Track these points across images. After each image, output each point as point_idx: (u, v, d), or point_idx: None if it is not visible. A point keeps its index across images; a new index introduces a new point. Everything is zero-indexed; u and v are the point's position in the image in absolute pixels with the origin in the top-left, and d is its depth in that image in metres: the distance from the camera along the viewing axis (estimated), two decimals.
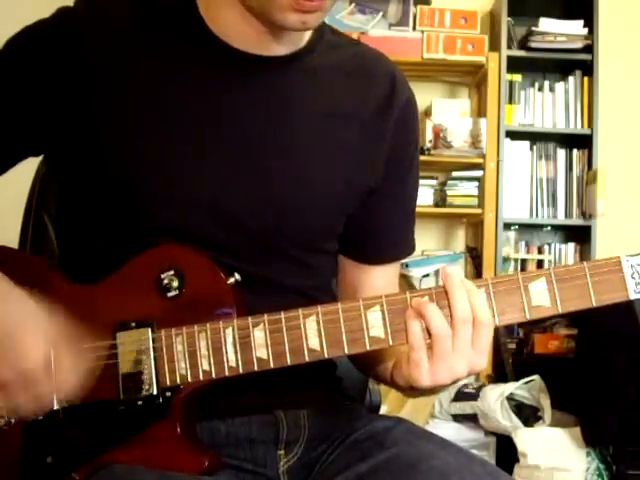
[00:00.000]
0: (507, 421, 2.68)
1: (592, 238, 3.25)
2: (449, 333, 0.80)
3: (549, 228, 3.46)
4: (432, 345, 0.80)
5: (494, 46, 3.29)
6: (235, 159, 0.89)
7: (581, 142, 3.33)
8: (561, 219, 3.35)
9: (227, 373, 0.83)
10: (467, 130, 3.26)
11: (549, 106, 3.36)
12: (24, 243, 1.24)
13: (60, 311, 0.82)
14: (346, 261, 1.04)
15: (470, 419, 2.80)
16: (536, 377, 2.80)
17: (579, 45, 3.24)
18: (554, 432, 2.62)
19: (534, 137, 3.38)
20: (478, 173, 3.26)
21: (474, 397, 2.79)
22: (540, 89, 3.39)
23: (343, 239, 1.01)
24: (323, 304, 0.84)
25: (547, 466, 2.55)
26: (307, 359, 0.83)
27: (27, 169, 1.21)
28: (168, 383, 0.84)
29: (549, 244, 3.42)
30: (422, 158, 3.21)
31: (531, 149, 3.38)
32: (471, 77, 3.43)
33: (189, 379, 0.84)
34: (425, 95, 3.36)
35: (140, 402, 0.84)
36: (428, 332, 0.80)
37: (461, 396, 2.83)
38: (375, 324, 0.82)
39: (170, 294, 0.85)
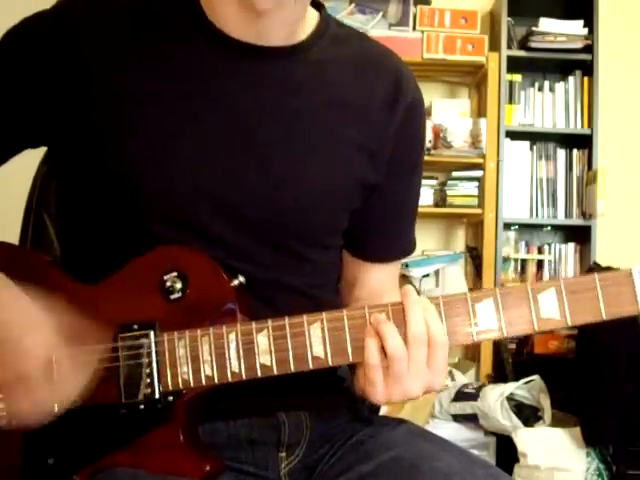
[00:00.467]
0: (507, 421, 2.68)
1: (592, 238, 3.25)
2: (405, 354, 0.78)
3: (549, 228, 3.45)
4: (388, 365, 0.79)
5: (494, 46, 3.29)
6: (236, 150, 0.89)
7: (581, 142, 3.33)
8: (561, 219, 3.35)
9: (230, 379, 0.82)
10: (467, 130, 3.25)
11: (549, 106, 3.36)
12: (24, 243, 1.23)
13: (61, 311, 0.82)
14: (347, 256, 1.04)
15: (470, 419, 2.80)
16: (536, 377, 2.80)
17: (579, 45, 3.23)
18: (554, 432, 2.61)
19: (534, 137, 3.38)
20: (478, 173, 3.26)
21: (474, 397, 2.79)
22: (540, 89, 3.39)
23: (345, 234, 1.00)
24: (328, 311, 0.82)
25: (547, 466, 2.55)
26: (311, 367, 0.82)
27: (28, 169, 1.21)
28: (170, 387, 0.83)
29: (549, 244, 3.42)
30: None
31: (531, 149, 3.38)
32: (471, 77, 3.43)
33: (191, 384, 0.83)
34: (425, 95, 3.30)
35: (142, 406, 0.83)
36: (384, 351, 0.79)
37: (461, 396, 2.83)
38: None
39: (173, 296, 0.84)
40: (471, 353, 3.32)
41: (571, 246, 3.39)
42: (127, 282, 0.86)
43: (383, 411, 1.29)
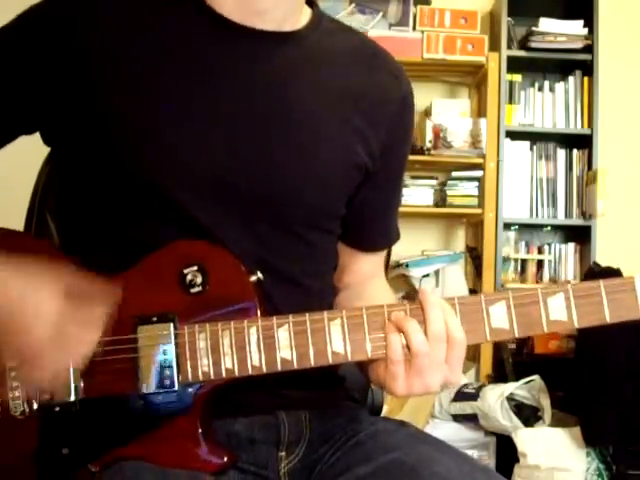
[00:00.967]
0: (507, 421, 2.68)
1: (592, 238, 3.25)
2: (428, 350, 0.81)
3: (549, 228, 3.45)
4: (411, 360, 0.82)
5: (494, 46, 3.29)
6: (236, 128, 0.90)
7: (581, 142, 3.33)
8: (561, 219, 3.35)
9: (251, 372, 0.83)
10: (467, 130, 3.25)
11: (549, 106, 3.36)
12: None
13: (65, 273, 0.80)
14: (340, 245, 1.05)
15: (470, 419, 2.80)
16: (536, 377, 2.80)
17: (579, 45, 3.24)
18: (554, 432, 2.62)
19: (534, 137, 3.38)
20: (478, 173, 3.26)
21: (474, 397, 2.79)
22: (540, 89, 3.39)
23: (342, 226, 1.02)
24: (348, 309, 0.85)
25: (547, 466, 2.55)
26: (330, 362, 0.84)
27: (30, 169, 1.21)
28: (190, 379, 0.84)
29: (549, 244, 3.42)
30: (422, 158, 3.22)
31: (531, 149, 3.38)
32: (471, 77, 3.43)
33: (212, 376, 0.83)
34: (425, 95, 3.36)
35: (160, 397, 0.83)
36: (407, 347, 0.82)
37: (461, 396, 2.83)
38: None
39: (193, 290, 0.85)
40: (471, 353, 3.32)
41: (571, 246, 3.39)
42: (145, 275, 0.87)
43: (383, 411, 1.29)
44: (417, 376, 0.82)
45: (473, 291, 3.28)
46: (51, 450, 0.85)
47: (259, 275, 0.86)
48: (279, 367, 0.83)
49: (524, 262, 3.40)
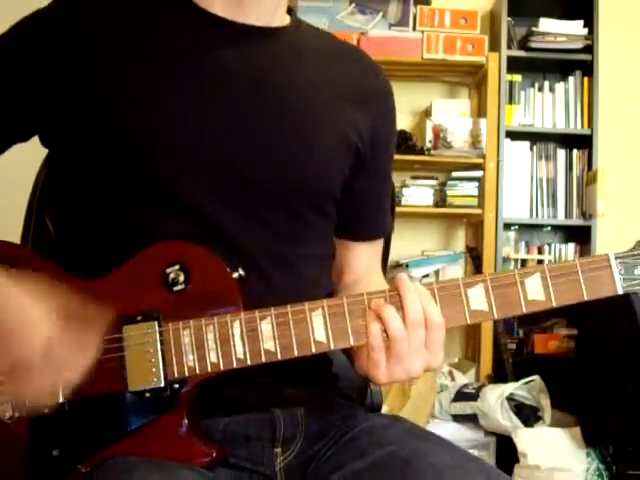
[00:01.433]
0: (507, 421, 2.68)
1: (592, 238, 3.25)
2: (405, 336, 0.83)
3: (549, 228, 3.45)
4: (390, 346, 0.83)
5: (494, 46, 3.29)
6: (233, 116, 0.92)
7: (581, 142, 3.33)
8: (561, 219, 3.35)
9: (235, 365, 0.84)
10: (467, 130, 3.26)
11: (549, 106, 3.36)
12: (25, 244, 1.23)
13: (60, 295, 0.80)
14: (335, 241, 1.07)
15: (470, 419, 2.80)
16: (536, 377, 2.80)
17: (579, 45, 3.24)
18: (554, 432, 2.62)
19: (534, 137, 3.38)
20: (478, 173, 3.26)
21: (474, 397, 2.79)
22: (540, 89, 3.39)
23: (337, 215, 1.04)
24: (329, 299, 0.86)
25: (547, 466, 2.55)
26: (314, 351, 0.85)
27: (29, 169, 1.21)
28: (176, 375, 0.85)
29: (549, 244, 3.42)
30: (422, 158, 3.22)
31: (531, 149, 3.38)
32: (471, 77, 3.43)
33: (197, 371, 0.85)
34: (425, 95, 3.36)
35: (147, 394, 0.84)
36: (386, 333, 0.83)
37: (461, 396, 2.83)
38: None
39: (176, 288, 0.86)
40: (471, 353, 3.33)
41: (571, 246, 3.39)
42: (129, 275, 0.88)
43: (383, 411, 1.29)
44: (397, 362, 0.83)
45: None
46: (41, 452, 0.86)
47: (241, 272, 0.87)
48: (263, 359, 0.84)
49: (524, 262, 3.40)
